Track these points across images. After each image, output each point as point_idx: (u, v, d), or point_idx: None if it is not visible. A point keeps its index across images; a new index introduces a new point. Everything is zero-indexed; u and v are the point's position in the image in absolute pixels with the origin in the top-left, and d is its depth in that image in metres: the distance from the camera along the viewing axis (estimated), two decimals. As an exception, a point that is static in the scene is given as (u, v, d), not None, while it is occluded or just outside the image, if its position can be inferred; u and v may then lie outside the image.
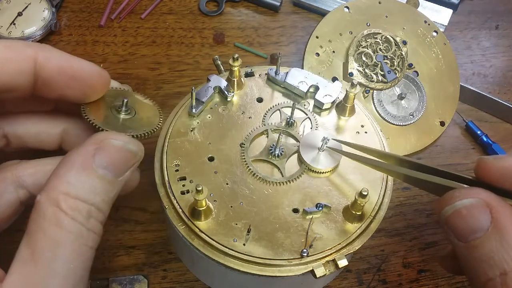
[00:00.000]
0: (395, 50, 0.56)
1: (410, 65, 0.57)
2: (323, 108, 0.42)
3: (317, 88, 0.42)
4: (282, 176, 0.38)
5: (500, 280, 0.26)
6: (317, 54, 0.55)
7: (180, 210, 0.35)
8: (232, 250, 0.34)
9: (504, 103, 0.58)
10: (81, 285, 0.28)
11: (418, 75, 0.57)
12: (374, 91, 0.55)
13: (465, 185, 0.30)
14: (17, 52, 0.29)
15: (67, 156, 0.30)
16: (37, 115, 0.36)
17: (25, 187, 0.34)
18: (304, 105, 0.43)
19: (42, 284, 0.26)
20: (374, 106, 0.54)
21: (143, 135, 0.34)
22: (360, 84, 0.54)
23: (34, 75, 0.30)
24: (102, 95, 0.34)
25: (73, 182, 0.28)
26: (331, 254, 0.35)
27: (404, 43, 0.56)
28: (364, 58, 0.55)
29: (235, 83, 0.42)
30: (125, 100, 0.35)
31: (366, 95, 0.55)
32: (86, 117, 0.33)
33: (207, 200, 0.34)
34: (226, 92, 0.42)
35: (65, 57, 0.31)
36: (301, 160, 0.39)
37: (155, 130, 0.36)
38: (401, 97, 0.55)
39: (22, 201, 0.35)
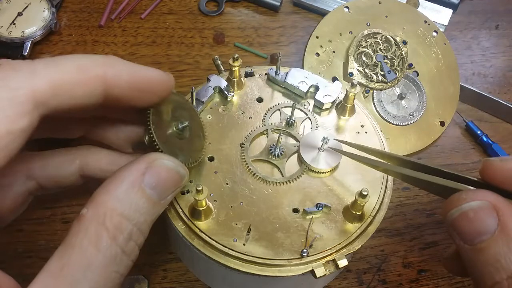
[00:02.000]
0: (395, 50, 0.56)
1: (410, 65, 0.57)
2: (323, 108, 0.42)
3: (317, 88, 0.42)
4: (282, 176, 0.38)
5: (507, 284, 0.26)
6: (317, 54, 0.55)
7: (180, 210, 0.35)
8: (232, 250, 0.34)
9: (504, 103, 0.58)
10: None
11: (418, 75, 0.57)
12: (374, 91, 0.55)
13: (471, 187, 0.30)
14: (88, 74, 0.28)
15: (118, 172, 0.30)
16: (55, 153, 0.36)
17: (34, 179, 0.34)
18: (304, 105, 0.43)
19: None
20: (374, 106, 0.54)
21: (188, 164, 0.34)
22: (360, 84, 0.54)
23: (103, 93, 0.29)
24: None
25: (121, 198, 0.28)
26: (331, 254, 0.35)
27: (404, 43, 0.56)
28: (364, 58, 0.55)
29: (235, 83, 0.42)
30: (187, 125, 0.34)
31: (366, 95, 0.55)
32: (149, 128, 0.32)
33: (207, 200, 0.34)
34: (226, 92, 0.42)
35: (133, 71, 0.30)
36: (301, 160, 0.39)
37: (199, 159, 0.37)
38: (401, 97, 0.55)
39: (31, 192, 0.35)
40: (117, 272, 0.28)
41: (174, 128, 0.34)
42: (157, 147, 0.32)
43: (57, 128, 0.35)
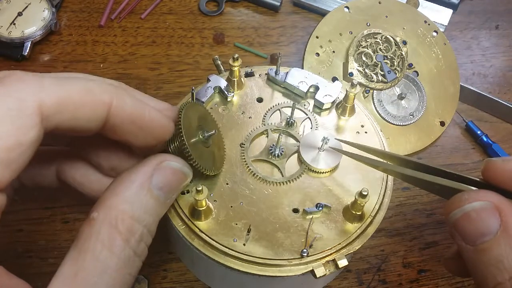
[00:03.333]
0: (395, 50, 0.56)
1: (410, 65, 0.57)
2: (323, 108, 0.42)
3: (317, 88, 0.42)
4: (282, 176, 0.38)
5: (510, 284, 0.26)
6: (317, 54, 0.55)
7: (180, 210, 0.35)
8: (232, 250, 0.34)
9: (504, 103, 0.58)
10: None
11: (418, 75, 0.57)
12: (374, 91, 0.55)
13: (473, 188, 0.30)
14: (95, 98, 0.28)
15: (126, 173, 0.30)
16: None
17: (17, 178, 0.33)
18: (304, 105, 0.43)
19: None
20: (374, 106, 0.54)
21: (211, 172, 0.35)
22: (360, 84, 0.54)
23: (104, 121, 0.29)
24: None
25: (131, 200, 0.28)
26: (331, 254, 0.35)
27: (404, 43, 0.56)
28: (364, 58, 0.55)
29: (235, 83, 0.42)
30: (214, 134, 0.35)
31: (366, 95, 0.55)
32: (181, 134, 0.32)
33: (207, 200, 0.34)
34: (226, 92, 0.42)
35: (138, 106, 0.30)
36: (301, 160, 0.39)
37: (221, 170, 0.37)
38: (401, 97, 0.55)
39: (15, 188, 0.34)
40: (130, 274, 0.28)
41: (200, 136, 0.35)
42: (189, 153, 0.32)
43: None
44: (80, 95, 0.27)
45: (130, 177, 0.30)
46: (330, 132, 0.41)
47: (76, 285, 0.26)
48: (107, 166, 0.35)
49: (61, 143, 0.36)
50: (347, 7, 0.57)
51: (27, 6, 0.59)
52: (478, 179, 0.31)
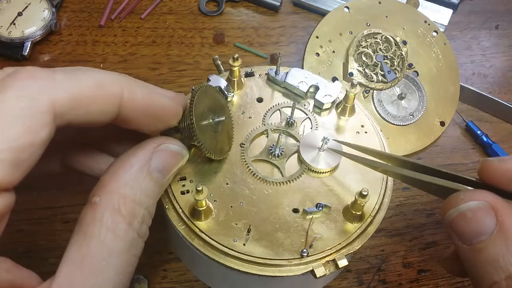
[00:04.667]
0: (395, 50, 0.56)
1: (410, 65, 0.57)
2: (323, 108, 0.42)
3: (317, 88, 0.42)
4: (282, 176, 0.38)
5: (505, 284, 0.26)
6: (317, 54, 0.55)
7: (180, 210, 0.35)
8: (232, 250, 0.34)
9: (504, 103, 0.58)
10: None
11: (418, 75, 0.57)
12: (374, 91, 0.55)
13: (470, 187, 0.30)
14: (106, 91, 0.28)
15: (125, 157, 0.30)
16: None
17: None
18: (304, 105, 0.43)
19: None
20: (374, 106, 0.54)
21: (214, 155, 0.36)
22: (360, 84, 0.54)
23: (116, 113, 0.29)
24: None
25: (132, 184, 0.29)
26: (331, 254, 0.35)
27: (404, 43, 0.56)
28: (364, 58, 0.55)
29: (235, 83, 0.42)
30: (224, 120, 0.36)
31: (366, 95, 0.55)
32: (191, 114, 0.33)
33: (207, 200, 0.34)
34: (226, 92, 0.42)
35: (148, 95, 0.30)
36: (301, 160, 0.39)
37: (226, 155, 0.38)
38: (401, 97, 0.55)
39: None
40: (135, 255, 0.29)
41: (211, 120, 0.36)
42: (195, 132, 0.33)
43: None
44: (92, 90, 0.27)
45: (130, 161, 0.30)
46: (330, 132, 0.41)
47: (84, 270, 0.26)
48: (117, 150, 0.36)
49: (67, 134, 0.36)
50: (347, 7, 0.57)
51: (27, 6, 0.59)
52: (474, 179, 0.31)
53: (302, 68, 0.54)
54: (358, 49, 0.55)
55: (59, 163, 0.36)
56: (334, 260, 0.35)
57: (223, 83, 0.42)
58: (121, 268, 0.27)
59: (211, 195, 0.36)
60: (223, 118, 0.36)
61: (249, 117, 0.41)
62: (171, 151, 0.32)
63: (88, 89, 0.27)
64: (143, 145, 0.31)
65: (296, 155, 0.40)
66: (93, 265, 0.26)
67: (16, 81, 0.25)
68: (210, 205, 0.35)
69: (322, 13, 0.63)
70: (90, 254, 0.26)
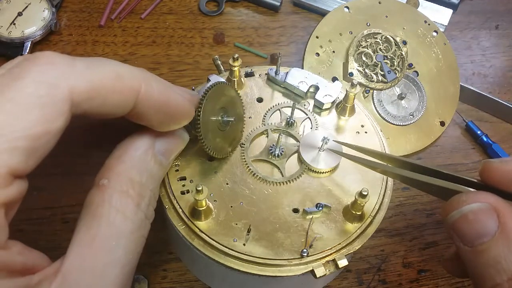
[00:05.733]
0: (395, 50, 0.56)
1: (410, 65, 0.57)
2: (323, 108, 0.42)
3: (317, 88, 0.42)
4: (282, 176, 0.38)
5: (507, 286, 0.26)
6: (317, 54, 0.55)
7: (180, 210, 0.35)
8: (232, 250, 0.34)
9: (504, 103, 0.58)
10: (131, 277, 0.29)
11: (418, 75, 0.57)
12: (374, 91, 0.55)
13: (471, 189, 0.30)
14: (125, 84, 0.28)
15: (130, 140, 0.31)
16: None
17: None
18: (304, 105, 0.43)
19: (102, 272, 0.26)
20: (374, 106, 0.54)
21: (214, 153, 0.36)
22: (360, 84, 0.54)
23: (132, 106, 0.29)
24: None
25: (139, 166, 0.29)
26: (331, 254, 0.35)
27: (404, 43, 0.56)
28: (364, 58, 0.55)
29: (235, 83, 0.42)
30: (232, 121, 0.37)
31: (366, 95, 0.55)
32: (200, 105, 0.33)
33: (207, 200, 0.34)
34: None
35: (164, 92, 0.30)
36: (301, 160, 0.39)
37: (226, 155, 0.38)
38: (401, 97, 0.55)
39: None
40: (143, 236, 0.29)
41: (219, 117, 0.36)
42: (199, 127, 0.33)
43: None
44: (111, 81, 0.27)
45: (135, 144, 0.30)
46: (330, 132, 0.41)
47: (94, 250, 0.26)
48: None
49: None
50: (347, 7, 0.57)
51: (27, 6, 0.59)
52: (475, 180, 0.31)
53: (302, 68, 0.54)
54: (358, 49, 0.55)
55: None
56: (334, 260, 0.35)
57: (223, 83, 0.42)
58: (131, 248, 0.28)
59: (211, 195, 0.36)
60: (232, 119, 0.37)
61: (249, 117, 0.41)
62: (173, 135, 0.33)
63: (107, 80, 0.27)
64: (147, 129, 0.31)
65: (296, 155, 0.40)
66: (103, 246, 0.27)
67: (34, 67, 0.24)
68: (210, 205, 0.35)
69: (322, 13, 0.63)
70: (100, 235, 0.27)
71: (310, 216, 0.36)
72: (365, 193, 0.33)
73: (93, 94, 0.26)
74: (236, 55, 0.41)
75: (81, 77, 0.25)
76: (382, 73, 0.55)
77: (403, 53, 0.56)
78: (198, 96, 0.34)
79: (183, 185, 0.37)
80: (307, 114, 0.42)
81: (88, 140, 0.37)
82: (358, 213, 0.35)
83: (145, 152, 0.30)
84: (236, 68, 0.41)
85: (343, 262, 0.34)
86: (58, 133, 0.25)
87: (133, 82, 0.28)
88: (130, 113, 0.29)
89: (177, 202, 0.36)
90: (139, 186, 0.29)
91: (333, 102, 0.42)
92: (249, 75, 0.44)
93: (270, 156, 0.39)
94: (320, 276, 0.34)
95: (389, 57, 0.55)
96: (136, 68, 0.29)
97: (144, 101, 0.29)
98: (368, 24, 0.57)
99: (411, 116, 0.55)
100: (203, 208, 0.34)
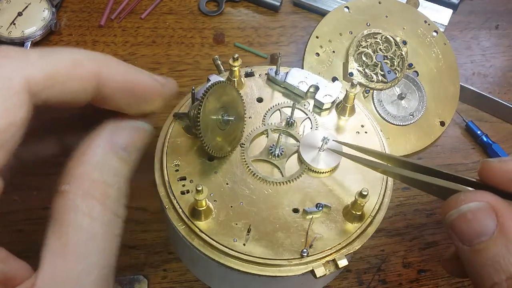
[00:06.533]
0: (395, 50, 0.56)
1: (410, 65, 0.57)
2: (323, 108, 0.42)
3: (317, 88, 0.42)
4: (282, 176, 0.38)
5: (506, 285, 0.26)
6: (317, 54, 0.55)
7: (180, 210, 0.35)
8: (232, 250, 0.34)
9: (504, 103, 0.58)
10: (111, 279, 0.28)
11: (418, 75, 0.57)
12: (374, 91, 0.55)
13: (470, 188, 0.30)
14: (83, 69, 0.27)
15: (88, 140, 0.30)
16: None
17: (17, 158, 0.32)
18: (304, 105, 0.43)
19: (77, 280, 0.26)
20: (374, 106, 0.54)
21: (212, 151, 0.36)
22: (360, 84, 0.54)
23: (95, 91, 0.28)
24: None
25: (100, 166, 0.28)
26: (331, 254, 0.35)
27: (404, 43, 0.56)
28: (364, 58, 0.55)
29: (235, 83, 0.42)
30: (233, 120, 0.37)
31: (366, 95, 0.55)
32: (200, 103, 0.33)
33: (207, 200, 0.34)
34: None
35: (127, 73, 0.30)
36: (301, 160, 0.39)
37: (225, 154, 0.38)
38: (401, 97, 0.55)
39: (12, 168, 0.34)
40: (116, 235, 0.28)
41: (220, 116, 0.36)
42: (198, 124, 0.33)
43: None
44: (68, 68, 0.27)
45: (94, 142, 0.29)
46: (330, 132, 0.41)
47: (68, 257, 0.26)
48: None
49: (61, 115, 0.35)
50: (347, 7, 0.57)
51: (27, 6, 0.59)
52: (475, 180, 0.31)
53: (302, 68, 0.54)
54: (358, 49, 0.55)
55: (57, 145, 0.36)
56: (334, 260, 0.35)
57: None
58: (104, 249, 0.27)
59: (211, 195, 0.36)
60: (232, 118, 0.37)
61: (249, 117, 0.41)
62: (133, 127, 0.32)
63: (63, 67, 0.27)
64: (104, 126, 0.30)
65: (296, 155, 0.40)
66: (75, 252, 0.26)
67: None
68: (210, 205, 0.35)
69: (322, 13, 0.63)
70: (70, 241, 0.26)
71: (310, 216, 0.36)
72: (365, 193, 0.33)
73: (50, 82, 0.26)
74: (236, 55, 0.41)
75: (35, 67, 0.25)
76: (382, 73, 0.55)
77: (403, 53, 0.56)
78: (171, 82, 0.34)
79: (183, 185, 0.37)
80: (307, 114, 0.42)
81: None
82: (358, 213, 0.35)
83: (104, 150, 0.29)
84: (236, 68, 0.41)
85: (343, 262, 0.34)
86: (22, 124, 0.25)
87: (92, 66, 0.28)
88: (96, 99, 0.29)
89: (177, 202, 0.36)
90: (103, 185, 0.28)
91: (333, 102, 0.42)
92: (249, 75, 0.44)
93: (270, 156, 0.39)
94: (320, 276, 0.34)
95: (389, 57, 0.55)
96: (96, 52, 0.29)
97: (107, 84, 0.28)
98: (368, 24, 0.57)
99: (411, 116, 0.55)
100: (203, 208, 0.34)
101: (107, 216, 0.28)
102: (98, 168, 0.28)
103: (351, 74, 0.54)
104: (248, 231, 0.35)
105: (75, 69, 0.27)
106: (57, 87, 0.26)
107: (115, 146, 0.30)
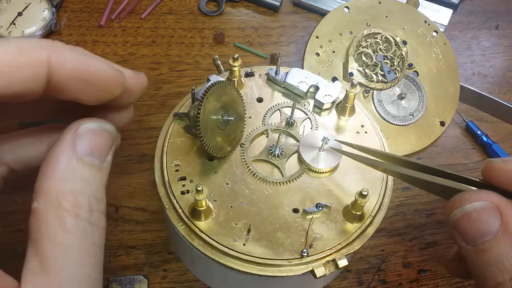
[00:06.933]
0: (395, 50, 0.56)
1: (410, 65, 0.57)
2: (323, 108, 0.42)
3: (317, 88, 0.42)
4: (282, 176, 0.38)
5: (510, 285, 0.26)
6: (317, 54, 0.55)
7: (180, 210, 0.35)
8: (232, 250, 0.34)
9: (504, 103, 0.58)
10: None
11: (418, 75, 0.57)
12: (374, 91, 0.55)
13: (474, 188, 0.30)
14: (30, 56, 0.26)
15: (49, 154, 0.29)
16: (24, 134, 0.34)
17: (4, 163, 0.32)
18: (304, 105, 0.43)
19: None
20: (374, 106, 0.54)
21: (212, 151, 0.36)
22: (360, 84, 0.54)
23: (46, 79, 0.27)
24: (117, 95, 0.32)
25: (65, 176, 0.27)
26: (331, 254, 0.35)
27: (404, 43, 0.56)
28: (364, 58, 0.55)
29: (235, 83, 0.42)
30: (233, 120, 0.37)
31: (366, 95, 0.55)
32: (201, 103, 0.34)
33: (207, 200, 0.34)
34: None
35: (80, 59, 0.29)
36: (301, 160, 0.39)
37: (225, 154, 0.38)
38: (401, 97, 0.55)
39: (3, 176, 0.33)
40: (93, 245, 0.27)
41: (220, 116, 0.36)
42: (198, 123, 0.34)
43: None
44: (13, 56, 0.26)
45: (55, 154, 0.28)
46: (330, 132, 0.41)
47: (46, 274, 0.25)
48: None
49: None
50: (347, 7, 0.57)
51: (27, 6, 0.59)
52: (478, 180, 0.31)
53: (302, 68, 0.54)
54: (358, 49, 0.55)
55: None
56: (334, 260, 0.35)
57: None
58: (82, 261, 0.26)
59: (211, 195, 0.36)
60: (232, 118, 0.37)
61: (249, 117, 0.41)
62: (92, 130, 0.30)
63: (8, 55, 0.26)
64: (61, 135, 0.29)
65: (296, 155, 0.40)
66: (53, 267, 0.26)
67: None
68: (210, 205, 0.35)
69: (322, 13, 0.63)
70: (46, 257, 0.26)
71: (310, 216, 0.36)
72: (365, 193, 0.33)
73: None
74: (236, 55, 0.41)
75: None
76: (382, 73, 0.55)
77: (403, 53, 0.56)
78: (137, 75, 0.33)
79: (183, 185, 0.37)
80: (307, 114, 0.42)
81: None
82: (358, 213, 0.35)
83: (68, 160, 0.28)
84: (236, 68, 0.41)
85: (343, 262, 0.34)
86: None
87: (39, 53, 0.27)
88: (49, 89, 0.28)
89: (177, 202, 0.36)
90: (72, 195, 0.27)
91: (333, 102, 0.42)
92: (249, 75, 0.44)
93: (270, 156, 0.39)
94: (320, 276, 0.34)
95: (389, 57, 0.55)
96: (44, 39, 0.28)
97: (58, 71, 0.27)
98: (368, 24, 0.57)
99: (411, 116, 0.55)
100: (203, 208, 0.34)
101: (81, 227, 0.27)
102: (64, 179, 0.27)
103: (351, 74, 0.54)
104: (248, 231, 0.35)
105: (21, 56, 0.26)
106: (4, 78, 0.25)
107: (78, 153, 0.28)
